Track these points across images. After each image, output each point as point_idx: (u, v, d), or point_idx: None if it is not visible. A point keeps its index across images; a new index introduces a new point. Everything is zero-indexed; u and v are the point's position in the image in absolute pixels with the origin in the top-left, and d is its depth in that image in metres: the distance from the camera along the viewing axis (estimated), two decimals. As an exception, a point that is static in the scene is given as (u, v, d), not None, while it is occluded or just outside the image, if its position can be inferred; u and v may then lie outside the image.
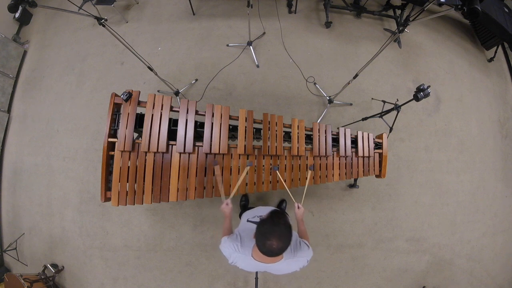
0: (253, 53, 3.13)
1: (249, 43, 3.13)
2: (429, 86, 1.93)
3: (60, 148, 3.01)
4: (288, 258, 1.24)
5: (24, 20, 3.76)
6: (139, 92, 1.74)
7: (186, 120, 1.74)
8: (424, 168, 2.98)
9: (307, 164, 1.96)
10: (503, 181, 3.18)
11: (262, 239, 1.09)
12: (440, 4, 3.08)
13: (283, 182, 1.80)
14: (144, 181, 1.68)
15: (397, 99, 2.41)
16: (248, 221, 1.56)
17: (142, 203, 1.69)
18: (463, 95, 3.35)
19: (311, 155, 1.97)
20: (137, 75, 3.12)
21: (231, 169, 1.80)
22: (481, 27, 3.56)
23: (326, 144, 2.00)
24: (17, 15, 3.47)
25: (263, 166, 1.86)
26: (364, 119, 2.74)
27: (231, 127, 1.83)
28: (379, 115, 2.55)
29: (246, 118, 1.83)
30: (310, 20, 3.44)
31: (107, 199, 1.69)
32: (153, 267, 2.61)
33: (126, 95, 1.68)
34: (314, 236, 2.63)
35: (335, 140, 2.07)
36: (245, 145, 1.80)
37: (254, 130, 1.89)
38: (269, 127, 1.88)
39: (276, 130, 1.89)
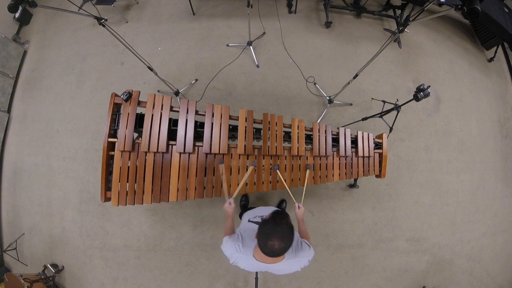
0: (253, 53, 3.13)
1: (249, 43, 3.13)
2: (429, 86, 1.93)
3: (60, 148, 3.01)
4: (290, 258, 1.24)
5: (24, 20, 3.76)
6: (139, 92, 1.74)
7: (186, 120, 1.74)
8: (424, 168, 2.98)
9: (306, 164, 1.96)
10: (503, 181, 3.18)
11: (264, 240, 1.09)
12: (440, 4, 3.08)
13: (284, 182, 1.80)
14: (144, 181, 1.68)
15: (397, 99, 2.41)
16: (249, 221, 1.56)
17: (142, 203, 1.69)
18: (463, 95, 3.35)
19: (311, 155, 1.97)
20: (137, 75, 3.12)
21: (231, 169, 1.79)
22: (481, 27, 3.56)
23: (326, 144, 2.00)
24: (17, 15, 3.47)
25: (263, 166, 1.86)
26: (364, 119, 2.74)
27: (231, 127, 1.83)
28: (379, 115, 2.55)
29: (246, 118, 1.83)
30: (310, 20, 3.44)
31: (107, 199, 1.70)
32: (153, 267, 2.61)
33: (126, 95, 1.68)
34: (314, 236, 2.63)
35: (335, 140, 2.07)
36: (245, 145, 1.80)
37: (254, 130, 1.89)
38: (269, 127, 1.88)
39: (276, 130, 1.89)
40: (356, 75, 2.32)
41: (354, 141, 2.10)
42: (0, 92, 3.19)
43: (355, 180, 2.72)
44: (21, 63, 3.46)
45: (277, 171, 1.81)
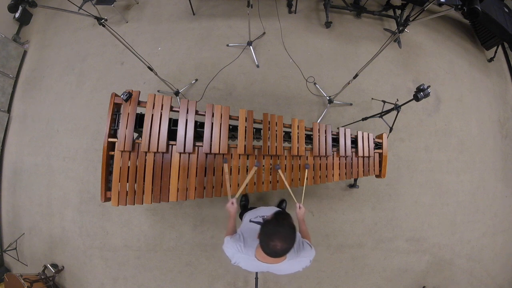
0: (253, 53, 3.13)
1: (249, 43, 3.13)
2: (429, 86, 1.93)
3: (60, 148, 3.01)
4: (291, 259, 1.24)
5: (24, 20, 3.76)
6: (139, 92, 1.74)
7: (186, 120, 1.74)
8: (424, 168, 2.98)
9: (305, 163, 1.95)
10: (503, 181, 3.18)
11: (266, 240, 1.09)
12: (440, 4, 3.08)
13: (285, 182, 1.79)
14: (144, 181, 1.68)
15: (397, 99, 2.41)
16: (250, 221, 1.56)
17: (142, 203, 1.69)
18: (463, 95, 3.35)
19: (311, 155, 1.97)
20: (137, 75, 3.12)
21: (231, 169, 1.79)
22: (481, 27, 3.56)
23: (326, 144, 2.00)
24: (17, 15, 3.47)
25: (263, 166, 1.86)
26: (364, 119, 2.74)
27: (231, 127, 1.83)
28: (379, 115, 2.55)
29: (246, 118, 1.83)
30: (310, 20, 3.44)
31: (107, 199, 1.70)
32: (153, 267, 2.61)
33: (126, 95, 1.68)
34: (314, 236, 2.62)
35: (335, 140, 2.07)
36: (245, 145, 1.80)
37: (254, 130, 1.89)
38: (269, 127, 1.88)
39: (276, 130, 1.89)
40: (356, 75, 2.32)
41: (354, 141, 2.10)
42: (0, 92, 3.19)
43: (355, 180, 2.72)
44: (21, 63, 3.46)
45: (279, 171, 1.80)
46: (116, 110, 1.75)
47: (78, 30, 3.51)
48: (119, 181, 1.66)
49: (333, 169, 2.04)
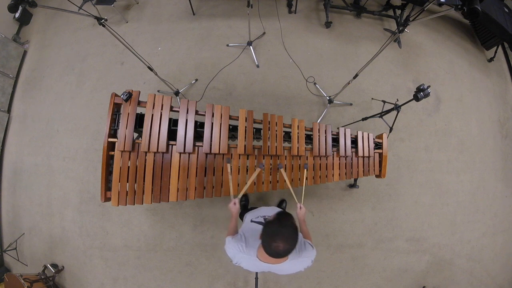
0: (253, 53, 3.13)
1: (249, 43, 3.13)
2: (429, 86, 1.93)
3: (60, 148, 3.01)
4: (293, 259, 1.24)
5: (24, 20, 3.76)
6: (139, 92, 1.74)
7: (186, 120, 1.74)
8: (424, 168, 2.98)
9: (304, 163, 1.95)
10: (503, 181, 3.18)
11: (268, 241, 1.09)
12: (440, 4, 3.08)
13: (287, 181, 1.77)
14: (144, 181, 1.68)
15: (397, 99, 2.41)
16: (252, 221, 1.56)
17: (142, 203, 1.69)
18: (463, 95, 3.36)
19: (311, 155, 1.97)
20: (137, 75, 3.12)
21: (231, 168, 1.79)
22: (481, 27, 3.56)
23: (326, 144, 2.00)
24: (17, 15, 3.47)
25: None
26: (364, 119, 2.74)
27: (231, 127, 1.83)
28: (379, 115, 2.55)
29: (246, 118, 1.83)
30: (310, 20, 3.44)
31: (107, 199, 1.69)
32: (153, 267, 2.61)
33: (126, 95, 1.68)
34: (314, 236, 2.60)
35: (335, 140, 2.07)
36: (245, 145, 1.80)
37: (254, 130, 1.89)
38: (269, 127, 1.88)
39: (276, 130, 1.89)
40: (356, 75, 2.32)
41: (354, 141, 2.10)
42: (0, 92, 3.19)
43: (355, 180, 2.72)
44: (21, 63, 3.46)
45: (281, 170, 1.79)
46: (116, 110, 1.75)
47: (78, 30, 3.51)
48: (119, 181, 1.66)
49: (333, 169, 2.04)
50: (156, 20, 3.42)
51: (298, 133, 1.93)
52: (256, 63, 3.13)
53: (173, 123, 1.77)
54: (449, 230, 2.88)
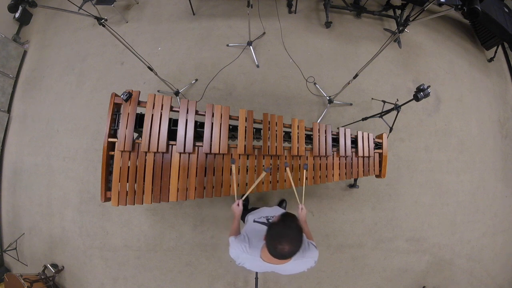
0: (253, 53, 3.13)
1: (249, 43, 3.13)
2: (429, 86, 1.93)
3: (60, 148, 3.01)
4: (297, 259, 1.23)
5: (24, 20, 3.76)
6: (139, 92, 1.74)
7: (186, 120, 1.74)
8: (424, 168, 2.98)
9: (304, 163, 1.95)
10: (503, 181, 3.18)
11: (273, 243, 1.07)
12: (440, 4, 3.08)
13: (291, 181, 1.74)
14: (144, 181, 1.68)
15: (397, 99, 2.41)
16: (254, 221, 1.56)
17: (142, 203, 1.69)
18: (463, 95, 3.35)
19: (311, 155, 1.97)
20: (137, 75, 3.12)
21: (231, 169, 1.79)
22: (481, 27, 3.56)
23: (326, 144, 2.00)
24: (17, 15, 3.47)
25: (263, 166, 1.86)
26: (364, 119, 2.74)
27: (231, 127, 1.83)
28: (379, 115, 2.55)
29: (246, 118, 1.83)
30: (310, 20, 3.44)
31: (107, 199, 1.69)
32: (153, 267, 2.61)
33: (126, 95, 1.68)
34: (314, 236, 2.59)
35: (335, 140, 2.07)
36: (245, 145, 1.80)
37: (254, 130, 1.89)
38: (269, 127, 1.88)
39: (276, 130, 1.89)
40: (356, 75, 2.32)
41: (354, 141, 2.10)
42: (0, 92, 3.19)
43: (355, 180, 2.72)
44: (21, 63, 3.46)
45: (287, 168, 1.78)
46: (116, 110, 1.75)
47: (78, 30, 3.51)
48: (119, 181, 1.66)
49: (333, 169, 2.04)
50: (156, 20, 3.42)
51: (298, 133, 1.93)
52: (256, 63, 3.13)
53: (173, 123, 1.77)
54: (449, 230, 2.88)
